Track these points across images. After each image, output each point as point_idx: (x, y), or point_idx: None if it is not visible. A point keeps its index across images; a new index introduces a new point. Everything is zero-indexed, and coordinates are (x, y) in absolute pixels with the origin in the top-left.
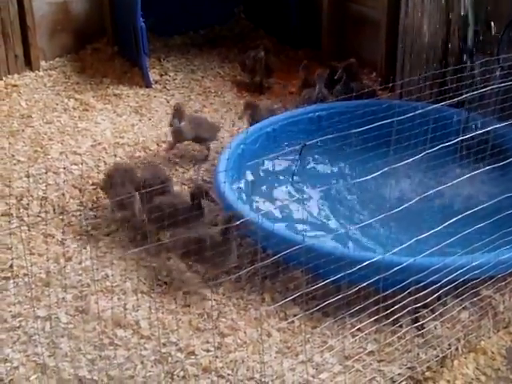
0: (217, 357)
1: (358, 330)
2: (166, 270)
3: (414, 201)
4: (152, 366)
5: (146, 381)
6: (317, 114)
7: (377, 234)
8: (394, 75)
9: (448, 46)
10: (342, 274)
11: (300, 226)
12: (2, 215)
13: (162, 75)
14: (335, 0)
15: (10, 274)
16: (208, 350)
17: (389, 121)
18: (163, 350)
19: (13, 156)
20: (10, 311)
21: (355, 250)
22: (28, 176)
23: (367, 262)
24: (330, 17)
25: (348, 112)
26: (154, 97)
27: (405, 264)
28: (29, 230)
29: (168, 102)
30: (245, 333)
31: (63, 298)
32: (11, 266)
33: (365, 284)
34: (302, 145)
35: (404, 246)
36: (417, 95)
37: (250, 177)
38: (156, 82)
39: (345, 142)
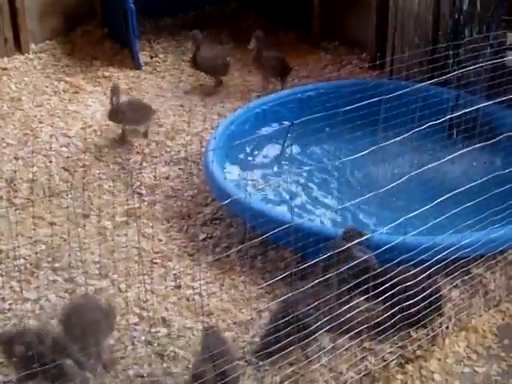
0: None
1: (349, 308)
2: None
3: (403, 179)
4: (142, 347)
5: (136, 362)
6: (306, 94)
7: (368, 213)
8: (384, 55)
9: (438, 24)
10: (331, 253)
11: (288, 205)
12: None
13: (152, 57)
14: None
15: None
16: (197, 330)
17: (376, 99)
18: (153, 330)
19: (2, 139)
20: (0, 294)
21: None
22: (17, 158)
23: (357, 241)
24: None
25: (337, 92)
26: (144, 79)
27: (394, 243)
28: (19, 213)
29: (158, 84)
30: (234, 313)
31: (53, 281)
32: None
33: (354, 263)
34: (289, 124)
35: (393, 224)
36: (406, 73)
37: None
38: (146, 64)
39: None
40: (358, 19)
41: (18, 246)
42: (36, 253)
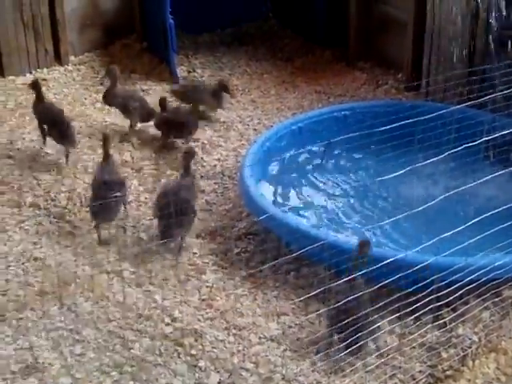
0: (238, 351)
1: (379, 327)
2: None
3: (437, 200)
4: (172, 358)
5: (169, 372)
6: (343, 113)
7: (402, 232)
8: (420, 76)
9: (475, 45)
10: (365, 272)
11: (323, 223)
12: (30, 206)
13: (189, 72)
14: (363, 0)
15: (36, 264)
16: (229, 342)
17: (411, 121)
18: (185, 342)
19: (41, 149)
20: (37, 300)
21: (378, 248)
22: (56, 168)
23: (390, 260)
24: (358, 16)
25: (373, 112)
26: None
27: (427, 263)
28: (56, 221)
29: None
30: (266, 327)
31: (88, 289)
32: (35, 258)
33: (387, 281)
34: (326, 142)
35: (426, 244)
36: (442, 95)
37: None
38: (184, 79)
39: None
40: (395, 39)
41: (59, 255)
42: (74, 260)
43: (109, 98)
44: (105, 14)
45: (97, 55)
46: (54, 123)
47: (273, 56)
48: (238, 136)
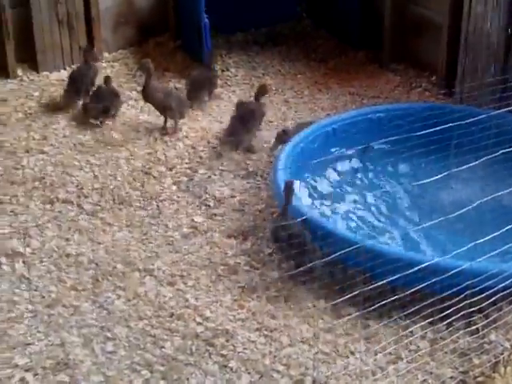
0: (270, 352)
1: (412, 331)
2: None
3: (473, 205)
4: (203, 357)
5: (199, 372)
6: (377, 115)
7: (437, 238)
8: (454, 79)
9: (511, 49)
10: (399, 276)
11: (358, 226)
12: (63, 202)
13: (223, 71)
14: (397, 2)
15: (69, 261)
16: (260, 344)
17: (448, 125)
18: (216, 342)
19: (74, 146)
20: (69, 296)
21: (412, 252)
22: (89, 165)
23: (424, 265)
24: (392, 18)
25: (409, 114)
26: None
27: (461, 268)
28: (89, 218)
29: (229, 98)
30: (298, 329)
31: (120, 287)
32: (67, 254)
33: (420, 286)
34: (365, 145)
35: (461, 250)
36: (477, 100)
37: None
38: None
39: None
40: (429, 42)
41: (92, 250)
42: (107, 257)
43: (148, 94)
44: (139, 11)
45: (130, 53)
46: None
47: (306, 56)
48: (271, 136)
